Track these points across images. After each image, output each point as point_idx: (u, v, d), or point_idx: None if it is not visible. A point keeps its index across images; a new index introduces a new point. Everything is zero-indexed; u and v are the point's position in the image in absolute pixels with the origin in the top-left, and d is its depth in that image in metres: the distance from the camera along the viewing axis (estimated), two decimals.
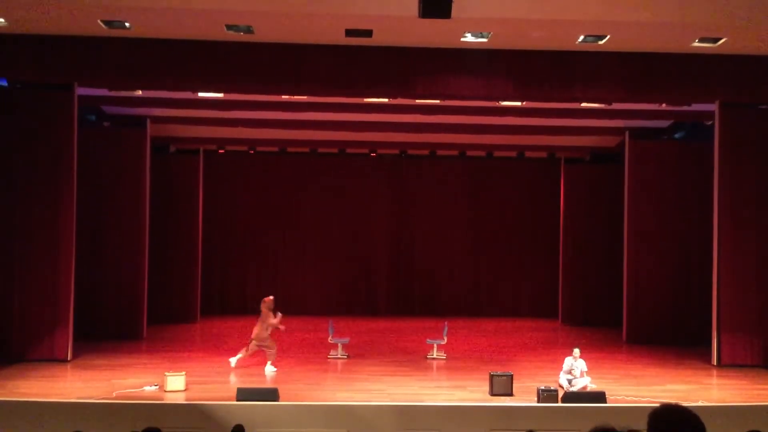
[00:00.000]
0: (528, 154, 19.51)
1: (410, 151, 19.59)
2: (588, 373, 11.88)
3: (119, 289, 15.83)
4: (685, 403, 3.07)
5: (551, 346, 15.82)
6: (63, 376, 12.14)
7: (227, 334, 16.64)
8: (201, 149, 19.02)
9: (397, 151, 19.65)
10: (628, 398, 10.71)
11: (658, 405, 2.96)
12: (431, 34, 11.30)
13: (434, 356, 13.95)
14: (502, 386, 10.87)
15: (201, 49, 11.98)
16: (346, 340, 14.30)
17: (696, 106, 14.41)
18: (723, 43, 11.45)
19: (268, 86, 12.80)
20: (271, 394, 10.05)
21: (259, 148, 19.32)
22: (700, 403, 10.14)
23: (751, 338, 13.43)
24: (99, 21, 11.01)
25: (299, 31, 11.46)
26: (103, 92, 14.04)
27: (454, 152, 19.50)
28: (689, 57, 12.15)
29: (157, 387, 11.02)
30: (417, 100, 14.12)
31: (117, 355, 13.75)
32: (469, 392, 11.18)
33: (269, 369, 12.55)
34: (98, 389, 10.90)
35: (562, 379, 11.53)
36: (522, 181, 20.46)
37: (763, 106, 13.77)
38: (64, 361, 12.84)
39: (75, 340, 13.27)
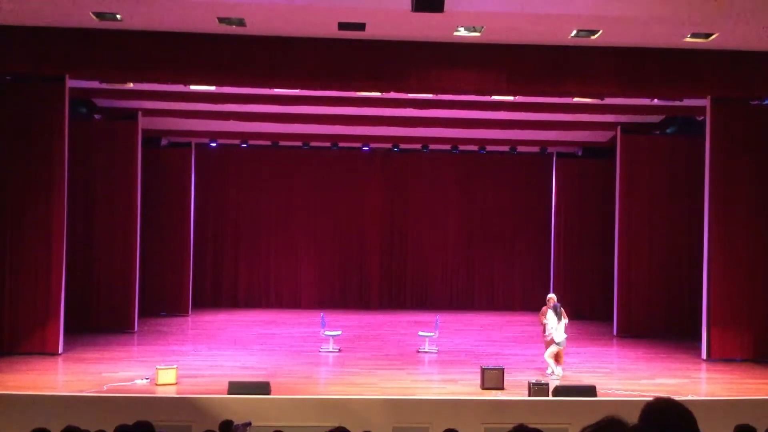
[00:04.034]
0: (520, 148, 19.52)
1: (403, 145, 19.56)
2: (579, 366, 11.97)
3: (110, 282, 15.78)
4: (675, 397, 3.09)
5: (543, 340, 15.83)
6: (54, 370, 12.11)
7: (219, 327, 16.63)
8: (192, 142, 18.95)
9: (389, 145, 19.63)
10: (618, 392, 10.76)
11: (651, 399, 2.97)
12: (424, 28, 11.29)
13: (426, 350, 13.98)
14: (493, 380, 10.89)
15: (193, 42, 11.94)
16: (338, 333, 14.31)
17: (687, 102, 14.45)
18: (715, 38, 11.50)
19: (260, 79, 12.77)
20: (263, 388, 10.06)
21: (251, 142, 19.25)
22: (689, 397, 10.20)
23: (740, 332, 13.50)
24: (90, 13, 10.96)
25: (292, 24, 11.43)
26: (94, 84, 13.97)
27: (447, 146, 19.49)
28: (681, 52, 12.21)
29: (149, 380, 11.00)
30: (409, 94, 14.11)
31: (108, 348, 13.72)
32: (460, 386, 11.20)
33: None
34: (89, 383, 10.87)
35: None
36: (514, 176, 20.47)
37: (755, 102, 13.82)
38: (55, 354, 12.79)
39: (66, 333, 13.22)
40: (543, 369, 12.21)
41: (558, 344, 11.93)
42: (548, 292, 19.06)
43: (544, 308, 12.38)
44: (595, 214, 18.78)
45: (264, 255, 20.20)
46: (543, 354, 12.30)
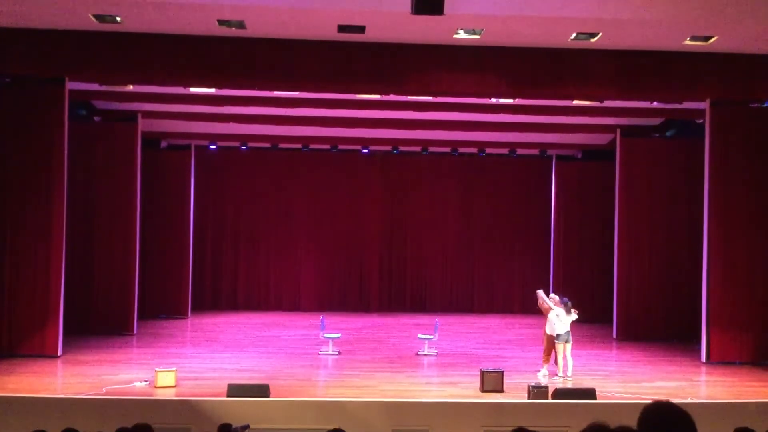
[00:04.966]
0: (520, 151, 19.54)
1: (402, 148, 19.57)
2: (578, 368, 11.96)
3: (109, 285, 15.77)
4: (674, 400, 3.09)
5: (542, 343, 15.82)
6: (53, 372, 12.09)
7: (218, 330, 16.62)
8: (192, 144, 18.96)
9: (389, 148, 19.63)
10: (618, 395, 10.75)
11: (649, 402, 2.97)
12: (424, 30, 11.29)
13: (425, 352, 13.96)
14: (492, 383, 10.88)
15: (193, 44, 11.94)
16: (338, 336, 14.29)
17: (687, 104, 14.46)
18: (714, 41, 11.50)
19: (259, 82, 12.78)
20: (262, 390, 10.04)
21: (251, 144, 19.26)
22: (689, 400, 10.20)
23: (740, 335, 13.49)
24: (90, 15, 10.96)
25: (291, 27, 11.43)
26: (94, 87, 13.96)
27: (447, 149, 19.50)
28: (680, 55, 12.21)
29: (148, 383, 10.99)
30: (409, 97, 14.11)
31: (107, 350, 13.71)
32: (459, 389, 11.19)
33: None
34: (88, 385, 10.87)
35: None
36: (514, 178, 20.48)
37: (754, 104, 13.83)
38: (54, 356, 12.78)
39: (65, 335, 13.20)
40: (536, 371, 12.18)
41: (558, 338, 11.95)
42: (547, 294, 19.13)
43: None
44: (595, 216, 18.77)
45: (263, 257, 20.20)
46: (535, 357, 12.29)
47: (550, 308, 12.22)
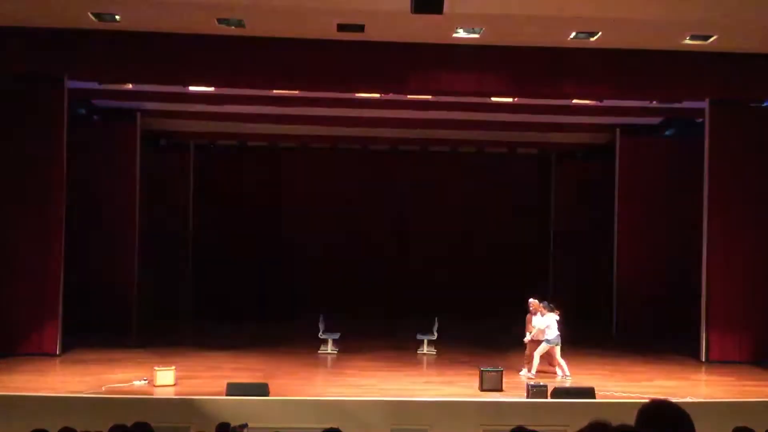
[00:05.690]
0: (519, 150, 19.55)
1: (402, 147, 19.58)
2: (577, 368, 11.97)
3: (109, 283, 15.74)
4: (673, 399, 3.08)
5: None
6: (52, 371, 12.09)
7: (217, 328, 16.60)
8: (191, 143, 18.95)
9: (388, 147, 19.63)
10: (617, 394, 10.75)
11: (647, 401, 2.97)
12: (423, 29, 11.30)
13: (424, 352, 13.95)
14: (491, 382, 10.89)
15: (192, 43, 11.94)
16: (337, 335, 14.28)
17: (686, 104, 14.47)
18: (713, 40, 11.51)
19: (259, 80, 12.79)
20: (261, 389, 10.04)
21: (250, 143, 19.25)
22: (688, 399, 10.20)
23: (739, 334, 13.50)
24: (89, 13, 10.96)
25: (291, 26, 11.43)
26: (93, 85, 13.97)
27: (446, 148, 19.51)
28: (680, 54, 12.22)
29: (147, 382, 10.99)
30: (409, 96, 14.11)
31: (106, 349, 13.67)
32: (458, 388, 11.19)
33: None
34: (87, 384, 10.86)
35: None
36: (513, 177, 20.47)
37: (753, 104, 13.83)
38: (53, 355, 12.78)
39: (64, 334, 13.19)
40: (543, 372, 12.17)
41: (549, 342, 11.96)
42: (547, 295, 19.07)
43: (528, 316, 12.45)
44: (594, 215, 18.76)
45: (263, 256, 20.17)
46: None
47: (541, 323, 12.21)
